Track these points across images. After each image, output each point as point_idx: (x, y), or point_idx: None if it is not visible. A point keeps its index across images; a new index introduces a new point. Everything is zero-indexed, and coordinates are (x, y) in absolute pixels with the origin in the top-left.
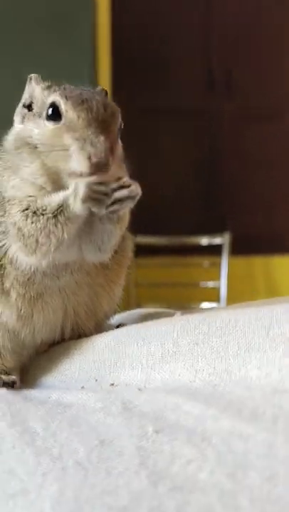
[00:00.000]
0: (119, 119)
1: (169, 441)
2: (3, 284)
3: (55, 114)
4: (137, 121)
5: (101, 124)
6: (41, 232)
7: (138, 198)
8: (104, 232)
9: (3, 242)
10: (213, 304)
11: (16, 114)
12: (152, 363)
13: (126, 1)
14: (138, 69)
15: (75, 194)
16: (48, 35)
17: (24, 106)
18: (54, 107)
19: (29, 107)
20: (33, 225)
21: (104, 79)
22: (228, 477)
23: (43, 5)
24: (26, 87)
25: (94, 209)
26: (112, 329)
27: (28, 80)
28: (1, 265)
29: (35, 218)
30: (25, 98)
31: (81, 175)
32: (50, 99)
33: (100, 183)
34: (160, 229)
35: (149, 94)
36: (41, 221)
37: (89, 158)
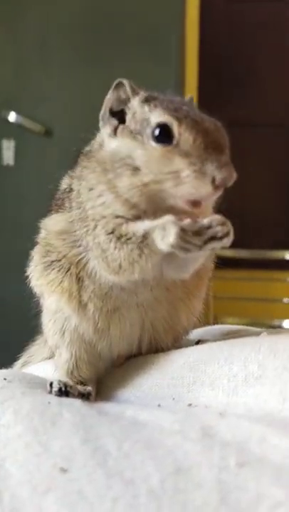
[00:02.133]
0: (228, 143)
1: (255, 478)
2: (80, 296)
3: (165, 136)
4: None
5: (218, 147)
6: (125, 260)
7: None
8: (188, 259)
9: (82, 255)
10: None
11: (101, 119)
12: (234, 385)
13: (214, 17)
14: (225, 82)
15: (163, 234)
16: (136, 48)
17: (112, 112)
18: (163, 127)
19: (116, 114)
20: (117, 251)
21: (192, 92)
22: None
23: (132, 19)
24: (112, 91)
25: (179, 254)
26: (191, 345)
27: (116, 84)
28: (80, 278)
29: (118, 245)
30: (112, 103)
31: (202, 198)
32: (156, 119)
33: (194, 233)
34: (242, 242)
35: (236, 107)
36: (125, 249)
37: (213, 181)
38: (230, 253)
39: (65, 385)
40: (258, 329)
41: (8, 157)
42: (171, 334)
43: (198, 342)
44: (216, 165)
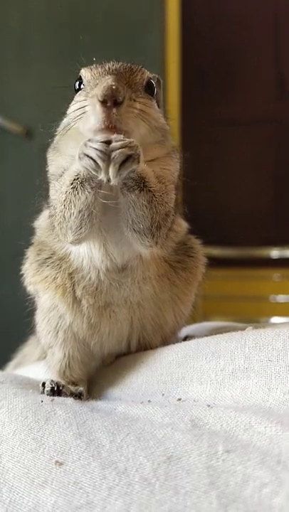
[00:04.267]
0: (142, 76)
1: (241, 462)
2: (75, 292)
3: (79, 84)
4: (206, 132)
5: (105, 72)
6: (63, 204)
7: (136, 155)
8: (129, 206)
9: (66, 247)
10: (284, 319)
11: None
12: (222, 378)
13: (195, 13)
14: (207, 80)
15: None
16: (117, 46)
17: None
18: (79, 79)
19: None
20: (59, 205)
21: (173, 90)
22: None
23: (113, 16)
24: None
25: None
26: (180, 342)
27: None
28: (71, 273)
29: (61, 197)
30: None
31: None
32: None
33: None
34: (229, 240)
35: (219, 105)
36: (63, 196)
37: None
38: (216, 252)
39: (58, 385)
40: (244, 324)
41: None
42: (159, 334)
43: (185, 338)
44: (99, 85)
